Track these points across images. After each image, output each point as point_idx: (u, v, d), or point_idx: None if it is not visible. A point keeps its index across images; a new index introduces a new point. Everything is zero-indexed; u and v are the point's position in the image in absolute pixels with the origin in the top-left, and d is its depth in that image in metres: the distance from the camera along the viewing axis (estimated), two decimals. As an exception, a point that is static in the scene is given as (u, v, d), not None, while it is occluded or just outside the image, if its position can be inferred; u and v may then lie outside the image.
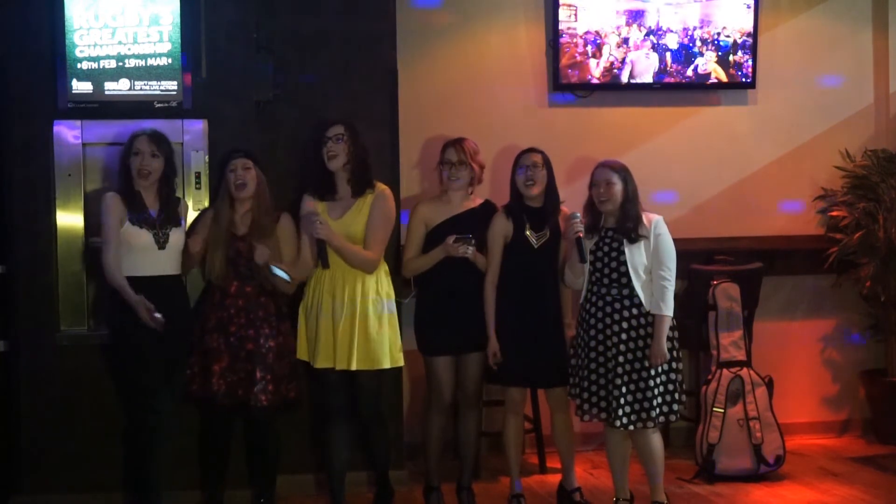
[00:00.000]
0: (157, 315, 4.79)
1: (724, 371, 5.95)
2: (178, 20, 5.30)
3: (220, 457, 5.21)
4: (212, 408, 5.08)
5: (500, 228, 5.26)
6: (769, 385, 5.96)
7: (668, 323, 4.93)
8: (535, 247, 5.22)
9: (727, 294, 6.08)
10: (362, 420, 5.23)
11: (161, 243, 4.90)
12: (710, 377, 5.98)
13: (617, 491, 5.19)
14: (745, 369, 5.96)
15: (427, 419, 5.41)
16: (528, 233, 5.22)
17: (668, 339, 4.95)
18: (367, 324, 5.09)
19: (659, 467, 5.07)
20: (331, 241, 5.04)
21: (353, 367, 5.06)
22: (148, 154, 4.89)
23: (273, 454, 5.19)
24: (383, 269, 5.22)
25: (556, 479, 5.56)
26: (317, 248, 5.03)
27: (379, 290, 5.16)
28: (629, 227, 4.97)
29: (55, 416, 5.35)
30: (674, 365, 4.99)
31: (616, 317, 4.97)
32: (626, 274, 4.96)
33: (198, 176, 5.33)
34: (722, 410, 5.88)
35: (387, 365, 5.14)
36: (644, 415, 4.93)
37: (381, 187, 5.22)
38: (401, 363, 5.23)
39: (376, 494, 5.38)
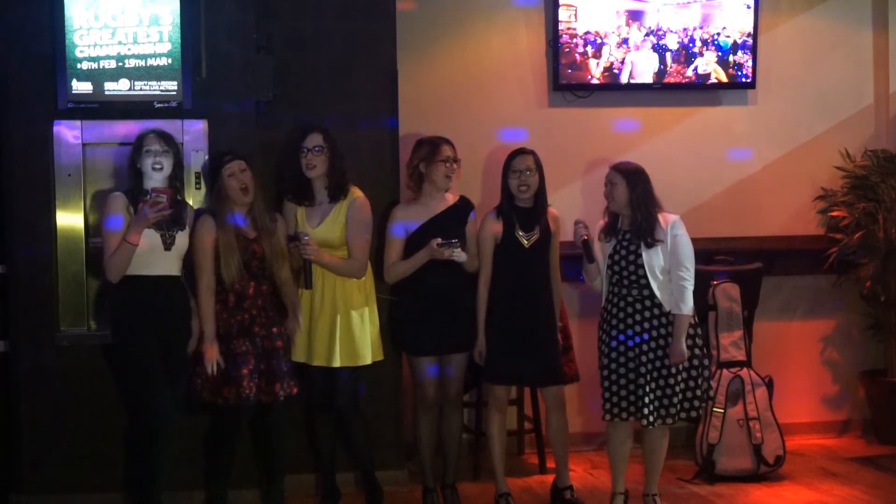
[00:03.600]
0: (160, 198, 4.75)
1: (724, 371, 5.95)
2: (178, 20, 5.29)
3: (230, 457, 5.20)
4: (224, 410, 5.04)
5: (490, 230, 5.27)
6: (769, 385, 5.96)
7: (687, 322, 4.98)
8: (527, 246, 5.23)
9: (727, 294, 6.08)
10: (340, 415, 5.25)
11: (167, 244, 4.91)
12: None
13: (614, 485, 5.22)
14: (744, 369, 5.96)
15: (416, 420, 5.43)
16: (518, 233, 5.23)
17: (690, 336, 5.00)
18: (349, 320, 5.15)
19: (660, 463, 5.17)
20: (319, 261, 5.08)
21: (336, 363, 5.13)
22: (160, 151, 4.91)
23: (283, 449, 5.22)
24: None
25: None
26: (303, 268, 5.07)
27: (360, 286, 5.20)
28: (643, 229, 4.99)
29: (55, 416, 5.35)
30: (695, 362, 5.04)
31: (637, 317, 5.01)
32: (645, 276, 4.99)
33: (198, 176, 5.32)
34: (722, 410, 5.88)
35: (368, 361, 5.22)
36: (663, 412, 4.99)
37: (355, 193, 5.24)
38: (380, 357, 5.29)
39: (367, 496, 5.38)
